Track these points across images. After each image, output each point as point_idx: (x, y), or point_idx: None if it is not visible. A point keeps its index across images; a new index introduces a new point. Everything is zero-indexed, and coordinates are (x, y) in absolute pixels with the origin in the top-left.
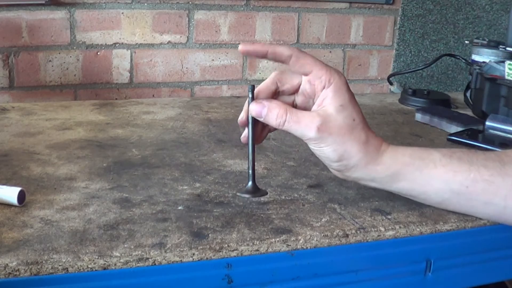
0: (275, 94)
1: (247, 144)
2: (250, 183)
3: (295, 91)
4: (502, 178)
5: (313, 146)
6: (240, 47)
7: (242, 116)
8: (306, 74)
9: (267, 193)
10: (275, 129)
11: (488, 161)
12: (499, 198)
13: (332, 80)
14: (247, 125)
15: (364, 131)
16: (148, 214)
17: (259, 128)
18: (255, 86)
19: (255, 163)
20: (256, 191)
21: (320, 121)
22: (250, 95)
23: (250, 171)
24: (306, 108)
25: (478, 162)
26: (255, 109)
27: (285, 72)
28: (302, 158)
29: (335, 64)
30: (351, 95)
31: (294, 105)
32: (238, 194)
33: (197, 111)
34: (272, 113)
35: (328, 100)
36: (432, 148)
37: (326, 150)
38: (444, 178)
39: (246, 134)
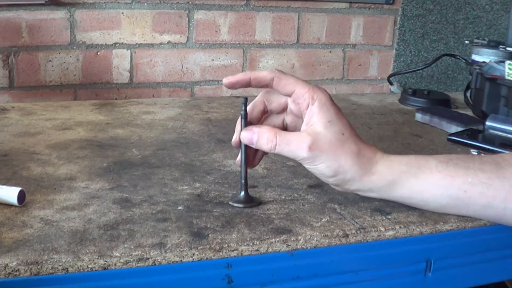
0: (264, 113)
1: (240, 162)
2: (242, 193)
3: (283, 109)
4: (500, 180)
5: (307, 165)
6: (224, 81)
7: (235, 137)
8: (289, 95)
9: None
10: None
11: (485, 164)
12: (498, 201)
13: (315, 97)
14: (239, 145)
15: (355, 143)
16: (148, 214)
17: (253, 151)
18: (247, 99)
19: (248, 173)
20: (248, 201)
21: (310, 140)
22: (243, 108)
23: (243, 181)
24: (296, 127)
25: (475, 166)
26: (246, 136)
27: (271, 91)
28: None
29: (335, 64)
30: (337, 109)
31: (284, 125)
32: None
33: (197, 111)
34: (262, 139)
35: (315, 118)
36: (428, 155)
37: (320, 168)
38: (441, 184)
39: (240, 158)
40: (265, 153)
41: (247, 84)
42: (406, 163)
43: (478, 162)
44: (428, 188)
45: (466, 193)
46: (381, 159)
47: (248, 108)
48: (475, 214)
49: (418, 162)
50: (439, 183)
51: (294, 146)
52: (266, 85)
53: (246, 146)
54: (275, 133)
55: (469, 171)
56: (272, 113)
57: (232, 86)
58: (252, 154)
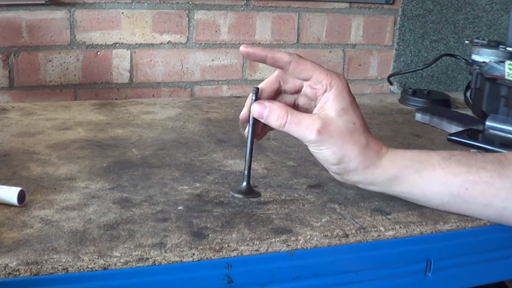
0: (278, 93)
1: (246, 144)
2: (244, 183)
3: (298, 90)
4: (502, 180)
5: (313, 149)
6: (242, 48)
7: (244, 113)
8: (306, 80)
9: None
10: None
11: (487, 163)
12: (498, 200)
13: (333, 84)
14: (248, 123)
15: (364, 135)
16: (148, 214)
17: (260, 125)
18: (258, 87)
19: (252, 164)
20: (249, 192)
21: (320, 124)
22: (254, 98)
23: (246, 172)
24: (308, 109)
25: (477, 164)
26: (256, 109)
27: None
28: (302, 158)
29: (335, 64)
30: (352, 99)
31: (296, 105)
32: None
33: (197, 111)
34: (273, 114)
35: (329, 104)
36: (431, 151)
37: (325, 153)
38: (443, 181)
39: (247, 131)
40: (271, 129)
41: (263, 60)
42: (409, 158)
43: (481, 160)
44: (430, 185)
45: (467, 191)
46: (385, 153)
47: (262, 85)
48: (475, 212)
49: (421, 157)
50: (440, 180)
51: (303, 127)
52: (281, 67)
53: (254, 123)
54: (286, 111)
55: (471, 169)
56: (285, 92)
57: (247, 55)
58: (259, 130)
